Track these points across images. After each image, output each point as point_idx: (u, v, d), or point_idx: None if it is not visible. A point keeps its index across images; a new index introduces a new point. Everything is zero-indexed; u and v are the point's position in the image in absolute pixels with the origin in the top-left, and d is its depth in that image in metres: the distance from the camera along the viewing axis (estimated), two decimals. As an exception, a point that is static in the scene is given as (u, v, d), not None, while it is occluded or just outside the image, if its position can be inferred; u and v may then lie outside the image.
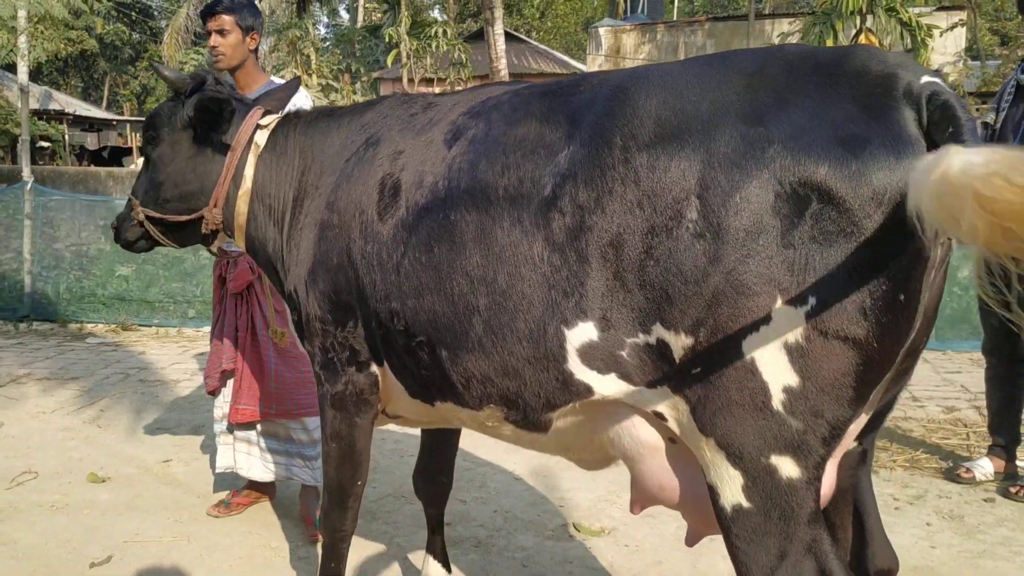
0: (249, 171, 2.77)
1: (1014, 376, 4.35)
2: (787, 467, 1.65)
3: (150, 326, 9.02)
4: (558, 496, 4.18)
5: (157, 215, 2.89)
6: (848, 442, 1.85)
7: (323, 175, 2.58)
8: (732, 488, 1.71)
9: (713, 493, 1.75)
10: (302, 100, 3.56)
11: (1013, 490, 4.10)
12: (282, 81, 3.69)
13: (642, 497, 2.09)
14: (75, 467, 4.63)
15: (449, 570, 3.18)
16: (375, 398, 2.49)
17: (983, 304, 4.42)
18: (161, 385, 6.48)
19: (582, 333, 1.85)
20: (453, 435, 3.06)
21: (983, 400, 4.63)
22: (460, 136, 2.20)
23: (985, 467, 4.34)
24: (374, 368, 2.44)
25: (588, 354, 1.87)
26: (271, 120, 2.87)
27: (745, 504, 1.69)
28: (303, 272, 2.50)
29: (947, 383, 6.41)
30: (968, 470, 4.33)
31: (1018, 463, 4.37)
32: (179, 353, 7.73)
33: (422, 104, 2.51)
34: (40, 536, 3.72)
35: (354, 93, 22.86)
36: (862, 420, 1.81)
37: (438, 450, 3.08)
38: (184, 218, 2.87)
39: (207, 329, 8.94)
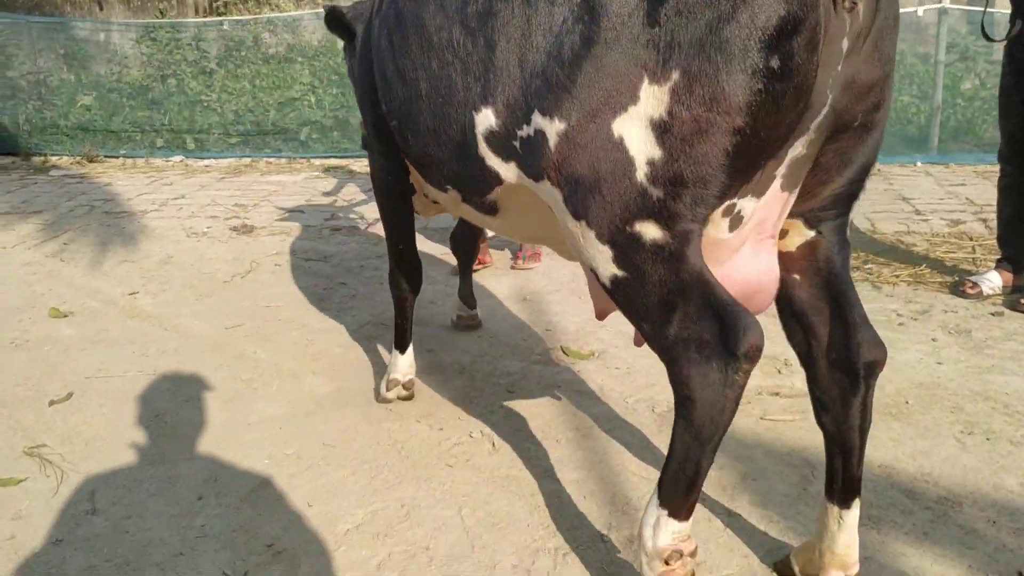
0: None
1: (1029, 185, 4.06)
2: (651, 231, 1.67)
3: (116, 157, 8.60)
4: (545, 320, 3.98)
5: None
6: (768, 223, 1.83)
7: None
8: (605, 262, 1.76)
9: (595, 275, 1.82)
10: None
11: (1023, 303, 3.90)
12: None
13: (595, 296, 2.11)
14: (37, 302, 4.39)
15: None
16: (403, 175, 2.81)
17: (1004, 107, 4.09)
18: (127, 216, 6.16)
19: (485, 119, 1.94)
20: None
21: (989, 212, 4.37)
22: None
23: (993, 280, 4.12)
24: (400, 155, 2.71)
25: (491, 141, 1.96)
26: None
27: (619, 273, 1.75)
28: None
29: (951, 196, 6.13)
30: (975, 284, 4.12)
31: (1028, 275, 4.15)
32: (147, 184, 7.36)
33: None
34: (-2, 374, 3.51)
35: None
36: (781, 199, 1.79)
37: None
38: None
39: (176, 159, 8.55)
